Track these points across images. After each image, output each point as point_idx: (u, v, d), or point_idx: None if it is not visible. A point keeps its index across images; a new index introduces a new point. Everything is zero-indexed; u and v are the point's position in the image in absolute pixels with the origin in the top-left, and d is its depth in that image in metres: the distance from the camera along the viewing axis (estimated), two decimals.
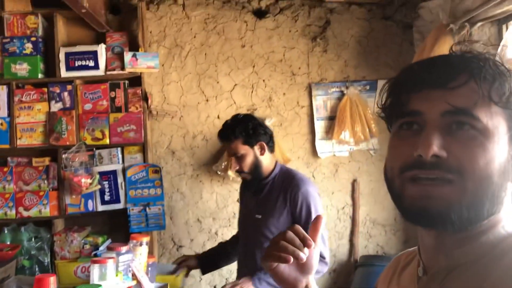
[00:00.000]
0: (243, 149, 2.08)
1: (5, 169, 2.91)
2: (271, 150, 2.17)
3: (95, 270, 1.68)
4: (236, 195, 3.19)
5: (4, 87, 2.93)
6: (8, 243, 2.88)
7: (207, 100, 3.18)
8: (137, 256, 2.09)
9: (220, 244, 2.51)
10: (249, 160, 2.09)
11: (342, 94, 3.19)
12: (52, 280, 1.23)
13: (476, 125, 0.64)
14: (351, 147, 3.20)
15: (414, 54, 2.99)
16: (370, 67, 3.23)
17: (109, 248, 1.91)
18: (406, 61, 3.15)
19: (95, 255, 2.81)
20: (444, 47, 2.51)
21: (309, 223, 1.94)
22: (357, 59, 3.23)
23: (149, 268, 2.22)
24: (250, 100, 3.19)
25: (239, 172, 2.15)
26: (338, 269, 3.22)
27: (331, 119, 3.19)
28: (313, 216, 2.00)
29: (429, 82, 0.66)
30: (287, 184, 2.08)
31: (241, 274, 2.21)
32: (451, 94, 0.65)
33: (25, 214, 2.92)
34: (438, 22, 2.63)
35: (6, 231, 2.91)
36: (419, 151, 0.65)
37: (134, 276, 1.99)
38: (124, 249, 1.91)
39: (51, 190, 2.93)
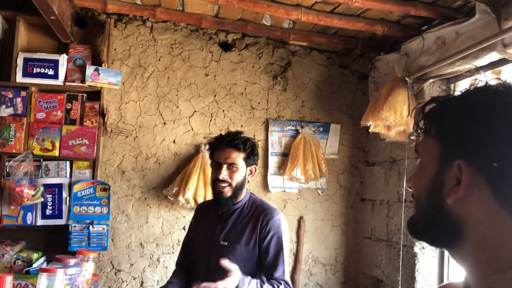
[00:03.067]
0: (241, 164, 2.03)
1: None
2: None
3: (42, 280, 1.59)
4: (183, 222, 3.15)
5: None
6: None
7: (164, 123, 3.17)
8: (83, 272, 2.00)
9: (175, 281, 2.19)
10: (240, 176, 2.02)
11: (297, 133, 3.29)
12: (10, 279, 1.16)
13: (418, 156, 0.84)
14: (300, 185, 3.29)
15: (367, 103, 3.18)
16: (325, 111, 3.38)
17: (57, 259, 1.81)
18: (358, 109, 3.34)
19: (28, 272, 2.65)
20: (398, 98, 2.70)
21: (278, 254, 1.92)
22: (313, 101, 3.37)
23: (91, 287, 2.13)
24: (208, 128, 3.21)
25: (223, 183, 2.01)
26: None
27: (285, 155, 3.27)
28: (284, 246, 1.98)
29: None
30: (258, 213, 2.03)
31: None
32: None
33: None
34: (393, 75, 2.84)
35: None
36: None
37: None
38: (72, 261, 1.82)
39: None
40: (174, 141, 3.17)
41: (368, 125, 2.82)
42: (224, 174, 2.00)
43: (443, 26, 2.49)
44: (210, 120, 3.23)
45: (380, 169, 3.17)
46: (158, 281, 3.09)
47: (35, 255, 2.77)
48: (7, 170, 2.75)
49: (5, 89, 2.82)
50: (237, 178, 2.02)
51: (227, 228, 2.04)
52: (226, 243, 2.01)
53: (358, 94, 3.42)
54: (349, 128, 3.40)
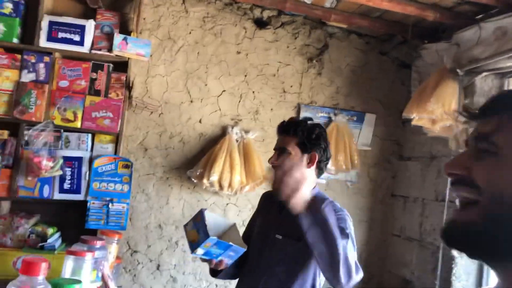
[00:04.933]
0: (293, 150, 1.82)
1: None
2: (320, 172, 1.91)
3: (68, 263, 1.44)
4: (204, 205, 3.00)
5: None
6: None
7: (191, 101, 3.00)
8: (107, 255, 1.85)
9: None
10: (291, 163, 1.80)
11: (330, 121, 3.12)
12: (45, 265, 1.01)
13: (491, 149, 0.70)
14: (329, 176, 3.12)
15: (406, 93, 3.00)
16: (360, 99, 3.20)
17: (82, 241, 1.66)
18: (395, 99, 3.16)
19: (42, 247, 2.52)
20: (446, 90, 2.51)
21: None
22: (348, 88, 3.19)
23: (113, 271, 1.99)
24: (236, 109, 3.04)
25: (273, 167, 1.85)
26: None
27: None
28: (351, 235, 1.72)
29: (478, 116, 0.76)
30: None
31: None
32: (481, 125, 0.74)
33: None
34: (439, 65, 2.65)
35: None
36: None
37: (102, 278, 1.75)
38: (99, 243, 1.67)
39: (3, 167, 2.60)
40: (200, 121, 3.01)
41: (412, 117, 2.64)
42: (274, 158, 1.85)
43: (506, 15, 2.30)
44: (239, 101, 3.06)
45: (416, 165, 3.00)
46: (175, 264, 2.95)
47: (50, 230, 2.64)
48: (26, 139, 2.60)
49: (28, 53, 2.65)
50: (288, 165, 1.77)
51: (286, 222, 1.83)
52: (281, 238, 1.83)
53: (397, 83, 3.23)
54: (385, 119, 3.22)
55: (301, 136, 1.84)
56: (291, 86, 3.12)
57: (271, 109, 3.09)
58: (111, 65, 2.76)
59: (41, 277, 1.01)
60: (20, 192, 2.62)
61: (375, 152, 3.22)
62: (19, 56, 2.65)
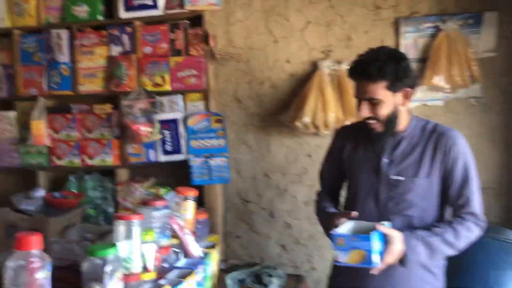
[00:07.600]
0: (383, 94, 1.60)
1: (68, 115, 2.86)
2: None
3: (120, 228, 1.48)
4: (307, 148, 2.85)
5: (65, 31, 2.82)
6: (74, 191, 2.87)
7: (275, 42, 2.82)
8: (181, 212, 1.87)
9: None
10: (386, 109, 1.63)
11: (438, 31, 2.64)
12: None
13: None
14: (446, 95, 2.68)
15: None
16: None
17: (145, 203, 1.70)
18: None
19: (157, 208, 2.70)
20: None
21: (466, 183, 1.67)
22: None
23: (198, 226, 2.01)
24: (325, 40, 2.77)
25: (369, 120, 1.67)
26: None
27: (423, 61, 2.67)
28: (471, 177, 1.68)
29: None
30: (435, 138, 1.69)
31: None
32: None
33: (89, 162, 2.86)
34: None
35: (71, 180, 2.89)
36: None
37: (175, 234, 1.78)
38: (160, 204, 1.69)
39: (113, 138, 2.83)
40: (288, 61, 2.82)
41: None
42: (365, 112, 1.65)
43: None
44: (327, 31, 2.77)
45: None
46: (288, 211, 2.91)
47: (162, 190, 2.81)
48: (125, 109, 2.75)
49: (112, 27, 2.79)
50: (383, 112, 1.64)
51: (398, 161, 1.70)
52: (403, 178, 1.68)
53: None
54: (511, 15, 2.60)
55: (391, 78, 1.60)
56: (385, 0, 2.71)
57: (366, 32, 2.73)
58: (187, 22, 2.73)
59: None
60: (131, 159, 2.83)
61: (504, 57, 2.63)
62: (105, 32, 2.79)
